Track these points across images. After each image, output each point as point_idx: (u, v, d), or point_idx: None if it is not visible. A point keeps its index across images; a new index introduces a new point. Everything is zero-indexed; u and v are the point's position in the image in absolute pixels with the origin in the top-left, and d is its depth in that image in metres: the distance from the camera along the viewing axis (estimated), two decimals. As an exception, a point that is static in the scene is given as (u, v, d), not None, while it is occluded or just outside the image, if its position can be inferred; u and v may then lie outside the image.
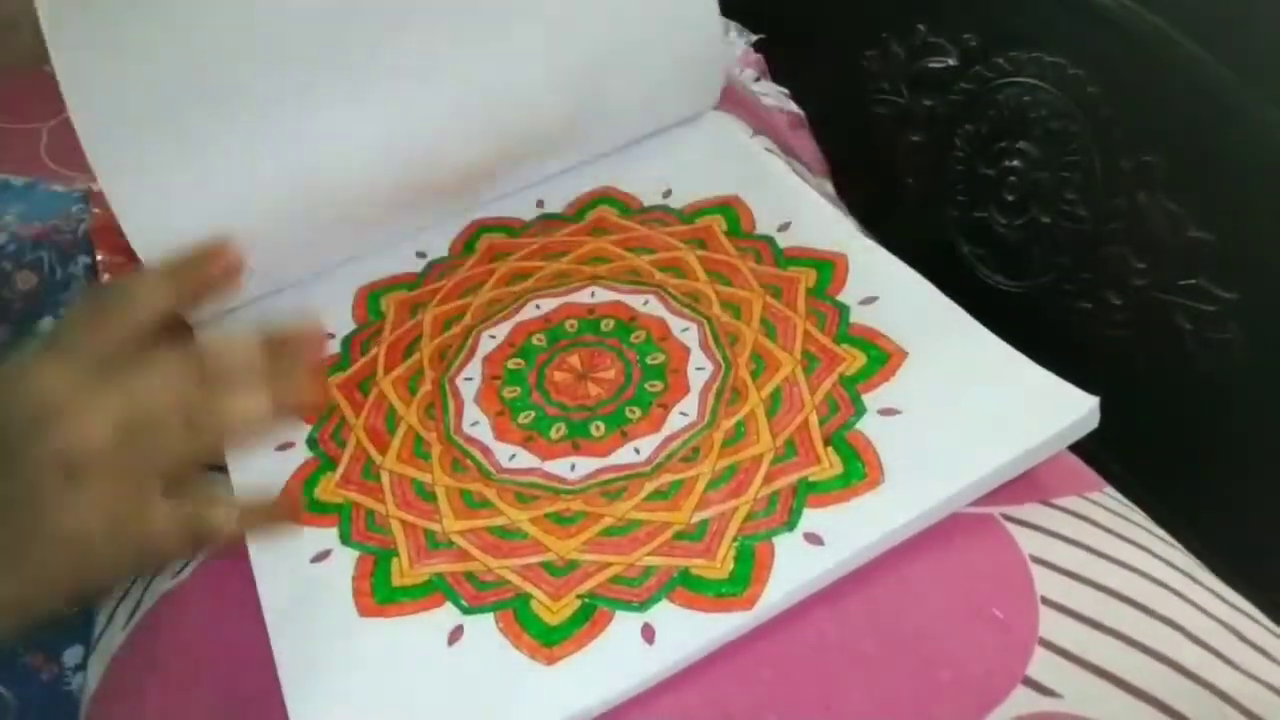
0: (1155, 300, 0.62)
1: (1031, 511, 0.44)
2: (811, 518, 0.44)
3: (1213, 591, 0.44)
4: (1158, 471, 0.62)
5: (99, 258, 0.64)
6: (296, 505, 0.47)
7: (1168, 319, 0.62)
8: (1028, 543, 0.43)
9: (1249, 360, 0.59)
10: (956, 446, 0.45)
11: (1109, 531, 0.44)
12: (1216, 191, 0.59)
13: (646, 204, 0.61)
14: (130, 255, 0.58)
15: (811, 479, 0.45)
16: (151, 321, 0.39)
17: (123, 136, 0.53)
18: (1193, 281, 0.60)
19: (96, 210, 0.67)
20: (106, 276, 0.63)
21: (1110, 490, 0.48)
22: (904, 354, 0.49)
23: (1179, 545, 0.47)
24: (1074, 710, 0.38)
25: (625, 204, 0.61)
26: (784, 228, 0.57)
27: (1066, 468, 0.48)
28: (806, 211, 0.58)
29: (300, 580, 0.45)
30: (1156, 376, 0.64)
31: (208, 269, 0.40)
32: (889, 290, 0.52)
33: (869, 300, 0.52)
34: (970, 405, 0.46)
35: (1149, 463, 0.63)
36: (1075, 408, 0.45)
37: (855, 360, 0.49)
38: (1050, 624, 0.40)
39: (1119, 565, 0.43)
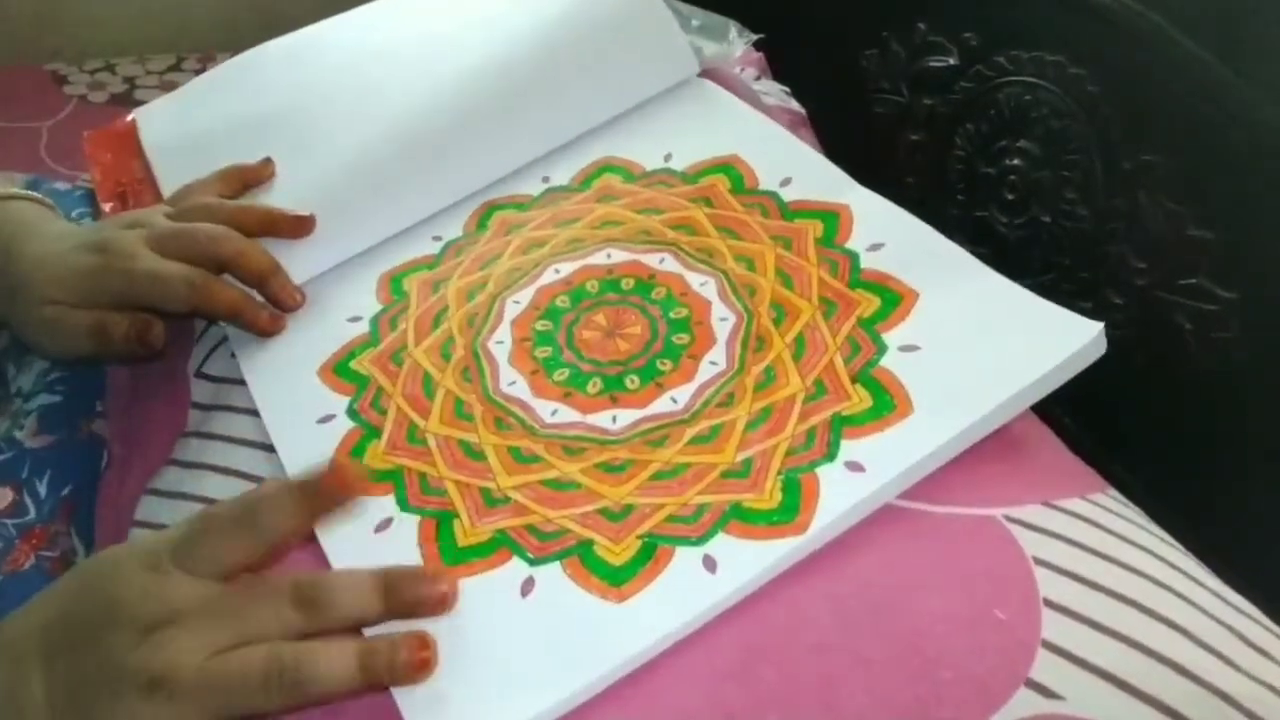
0: (1155, 300, 0.62)
1: (1034, 513, 0.44)
2: (850, 448, 0.45)
3: (1214, 593, 0.44)
4: (1158, 472, 0.62)
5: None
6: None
7: (1168, 319, 0.62)
8: (1030, 544, 0.43)
9: (1249, 360, 0.59)
10: (979, 374, 0.46)
11: (1111, 533, 0.44)
12: (1216, 191, 0.59)
13: (649, 168, 0.62)
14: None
15: (845, 413, 0.46)
16: (279, 543, 0.41)
17: None
18: (1193, 281, 0.60)
19: (107, 205, 0.67)
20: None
21: (1112, 492, 0.48)
22: (916, 294, 0.50)
23: (1180, 547, 0.47)
24: (1076, 712, 0.38)
25: (628, 170, 0.62)
26: (785, 183, 0.58)
27: (1067, 469, 0.49)
28: (805, 166, 0.59)
29: (367, 551, 0.46)
30: (1157, 376, 0.64)
31: (338, 493, 0.41)
32: (894, 236, 0.54)
33: (876, 246, 0.53)
34: (986, 337, 0.48)
35: (1150, 463, 0.63)
36: (1082, 334, 0.46)
37: (871, 303, 0.51)
38: (1053, 626, 0.40)
39: (1121, 567, 0.43)
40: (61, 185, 0.72)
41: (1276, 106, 0.55)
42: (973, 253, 0.52)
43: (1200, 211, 0.60)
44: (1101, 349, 0.46)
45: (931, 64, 0.74)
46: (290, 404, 0.54)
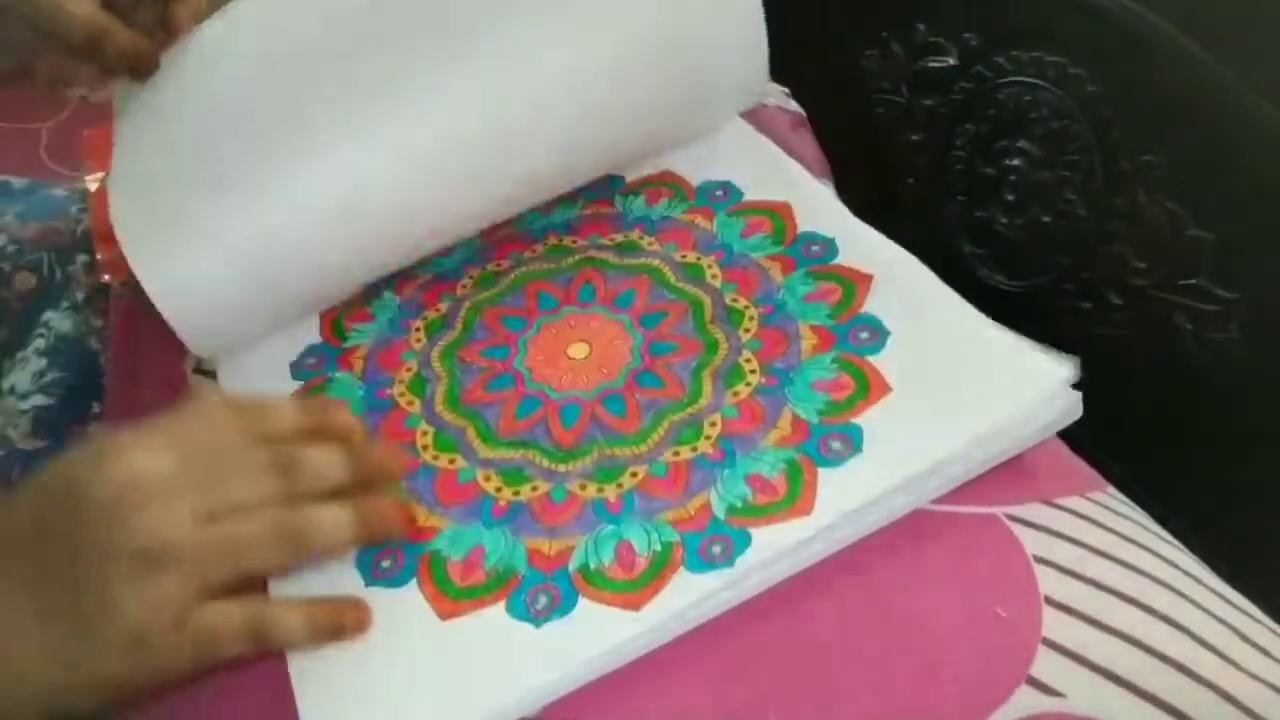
0: (1155, 300, 0.63)
1: (1034, 511, 0.44)
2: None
3: (1215, 591, 0.44)
4: (1157, 471, 0.62)
5: (99, 257, 0.64)
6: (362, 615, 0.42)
7: (1168, 319, 0.62)
8: (1030, 542, 0.43)
9: (1249, 360, 0.59)
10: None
11: (1111, 531, 0.44)
12: (1216, 191, 0.59)
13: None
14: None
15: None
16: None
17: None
18: (1193, 281, 0.60)
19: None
20: (106, 276, 0.63)
21: (1112, 490, 0.48)
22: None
23: (1181, 545, 0.47)
24: (1077, 710, 0.38)
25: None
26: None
27: (1068, 468, 0.48)
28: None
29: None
30: (1156, 376, 0.64)
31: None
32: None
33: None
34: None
35: (1150, 463, 0.63)
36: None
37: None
38: (1053, 623, 0.40)
39: (1121, 565, 0.43)
40: (59, 191, 0.72)
41: (1277, 106, 0.55)
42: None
43: (1200, 211, 0.60)
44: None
45: (931, 64, 0.74)
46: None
